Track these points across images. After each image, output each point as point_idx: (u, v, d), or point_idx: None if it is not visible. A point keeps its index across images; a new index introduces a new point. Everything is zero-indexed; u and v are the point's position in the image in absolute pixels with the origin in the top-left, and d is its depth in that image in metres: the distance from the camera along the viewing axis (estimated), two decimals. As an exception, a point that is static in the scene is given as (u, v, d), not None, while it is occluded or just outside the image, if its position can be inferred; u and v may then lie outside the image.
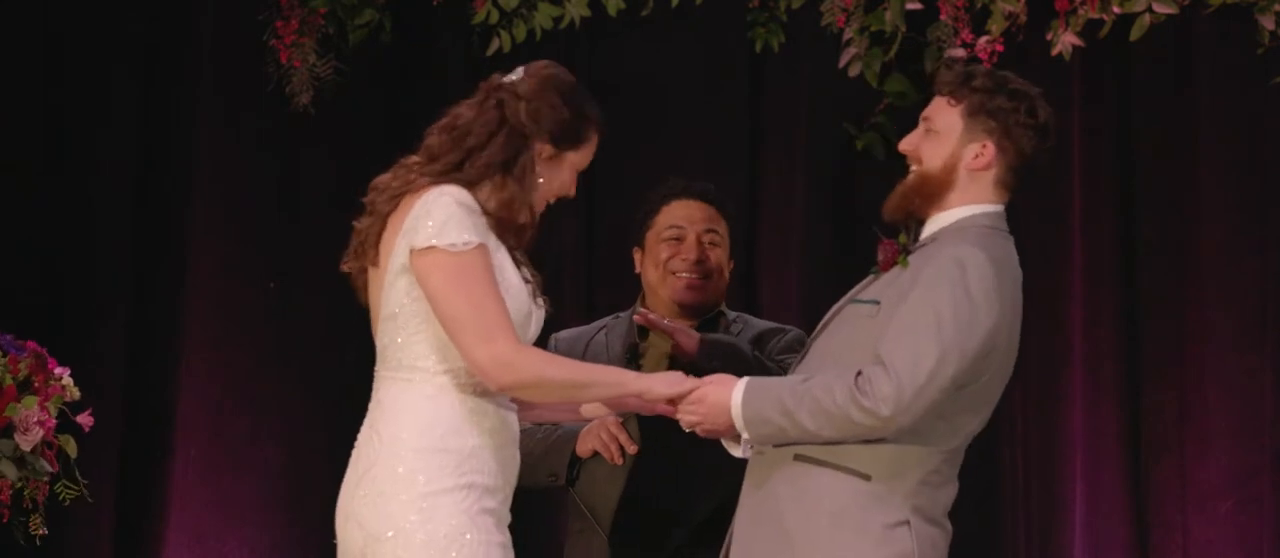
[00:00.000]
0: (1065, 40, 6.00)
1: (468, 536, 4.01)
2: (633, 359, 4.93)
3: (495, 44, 6.28)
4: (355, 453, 4.12)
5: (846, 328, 4.20)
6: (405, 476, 4.01)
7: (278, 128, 6.50)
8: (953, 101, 4.24)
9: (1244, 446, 6.10)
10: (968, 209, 4.23)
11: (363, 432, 4.13)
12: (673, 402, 4.17)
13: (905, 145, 4.30)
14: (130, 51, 6.51)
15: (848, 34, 6.16)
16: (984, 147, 4.21)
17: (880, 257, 4.25)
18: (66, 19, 6.44)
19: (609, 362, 4.91)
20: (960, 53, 5.96)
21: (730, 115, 6.53)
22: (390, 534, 3.99)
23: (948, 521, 4.21)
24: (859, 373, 4.04)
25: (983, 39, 6.05)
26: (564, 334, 5.07)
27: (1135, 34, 5.97)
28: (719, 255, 4.99)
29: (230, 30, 6.49)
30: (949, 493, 4.21)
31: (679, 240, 4.97)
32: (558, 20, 6.30)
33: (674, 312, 4.96)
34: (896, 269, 4.19)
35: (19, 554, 5.08)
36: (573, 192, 4.25)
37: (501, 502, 4.13)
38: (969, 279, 4.07)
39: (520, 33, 6.28)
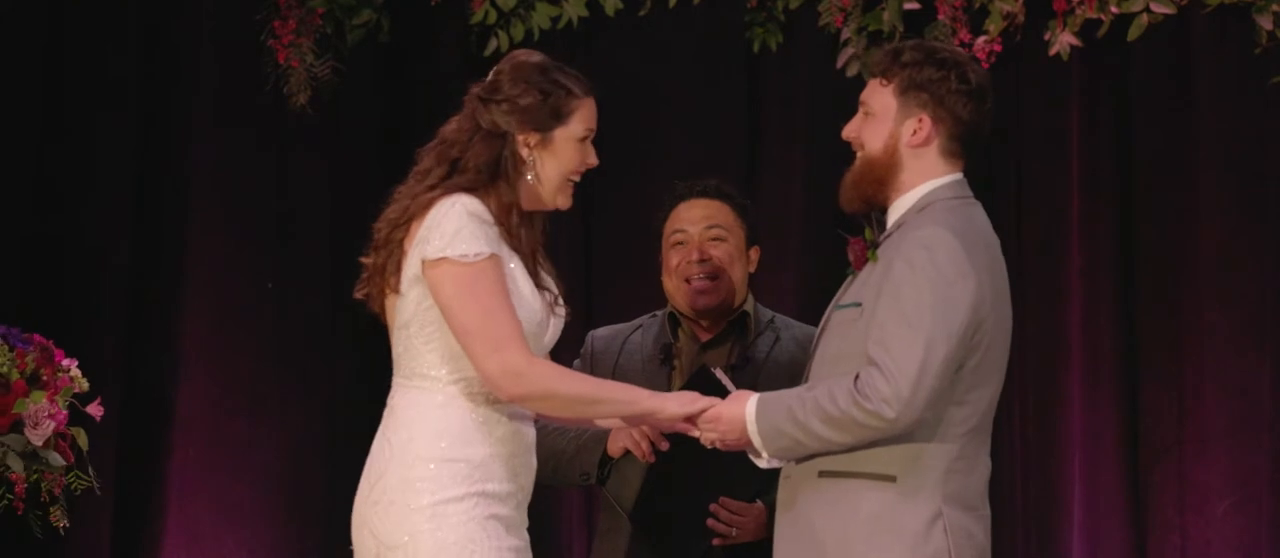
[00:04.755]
0: (1063, 40, 6.00)
1: (477, 542, 4.01)
2: (667, 359, 4.93)
3: (493, 44, 6.28)
4: (369, 460, 4.13)
5: (836, 335, 4.17)
6: (416, 484, 4.01)
7: (275, 128, 6.50)
8: (885, 81, 4.19)
9: (1243, 446, 6.10)
10: (925, 186, 4.17)
11: (376, 439, 4.13)
12: (690, 420, 4.16)
13: (847, 132, 4.25)
14: (129, 51, 6.51)
15: (846, 34, 6.16)
16: (920, 121, 4.15)
17: (851, 257, 4.21)
18: (66, 18, 6.44)
19: (644, 360, 4.93)
20: (959, 54, 5.96)
21: (729, 115, 6.52)
22: (404, 540, 4.01)
23: (985, 503, 4.18)
24: (857, 376, 4.01)
25: (980, 39, 6.05)
26: (601, 332, 5.06)
27: (1133, 34, 5.97)
28: (726, 250, 4.94)
29: (228, 30, 6.48)
30: (982, 474, 4.17)
31: (683, 245, 4.95)
32: (555, 20, 6.30)
33: (692, 316, 4.96)
34: (870, 265, 4.15)
35: (24, 551, 5.07)
36: (594, 160, 4.21)
37: (515, 507, 4.12)
38: (937, 259, 4.02)
39: (518, 33, 6.28)
